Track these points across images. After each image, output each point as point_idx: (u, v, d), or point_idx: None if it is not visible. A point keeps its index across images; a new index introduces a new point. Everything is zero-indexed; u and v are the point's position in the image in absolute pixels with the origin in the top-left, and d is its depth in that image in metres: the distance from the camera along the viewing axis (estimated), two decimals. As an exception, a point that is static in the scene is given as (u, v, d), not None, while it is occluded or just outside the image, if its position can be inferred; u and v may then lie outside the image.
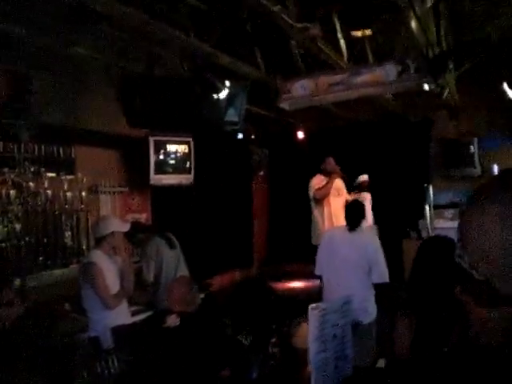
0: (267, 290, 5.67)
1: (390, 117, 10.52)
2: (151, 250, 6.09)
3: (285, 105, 7.04)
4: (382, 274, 5.28)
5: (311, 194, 8.41)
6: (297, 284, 10.80)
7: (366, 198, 9.76)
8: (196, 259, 7.15)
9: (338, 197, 8.47)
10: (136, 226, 6.11)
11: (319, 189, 8.36)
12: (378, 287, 5.32)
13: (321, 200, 8.31)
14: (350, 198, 8.65)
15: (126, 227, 5.24)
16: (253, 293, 4.12)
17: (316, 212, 8.57)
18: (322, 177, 8.50)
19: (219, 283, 9.45)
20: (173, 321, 3.81)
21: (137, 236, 6.11)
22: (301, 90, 6.65)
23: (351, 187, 9.57)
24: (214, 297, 7.00)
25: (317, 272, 5.59)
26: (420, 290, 2.71)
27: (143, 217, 8.23)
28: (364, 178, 9.95)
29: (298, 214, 10.23)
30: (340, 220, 8.22)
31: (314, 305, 2.44)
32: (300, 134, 11.63)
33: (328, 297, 5.33)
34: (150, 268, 5.98)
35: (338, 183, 8.60)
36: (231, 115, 6.90)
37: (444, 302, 2.57)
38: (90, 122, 7.09)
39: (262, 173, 12.34)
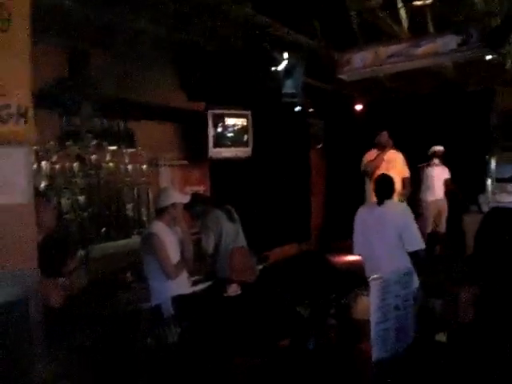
0: (325, 262, 5.68)
1: (450, 87, 10.26)
2: (211, 221, 6.14)
3: (344, 76, 6.97)
4: (415, 241, 5.27)
5: (362, 167, 8.36)
6: (354, 258, 10.72)
7: (439, 168, 9.62)
8: (254, 232, 7.18)
9: (390, 171, 8.36)
10: (196, 198, 6.17)
11: (369, 162, 8.29)
12: (414, 257, 5.28)
13: (371, 174, 8.23)
14: (406, 172, 8.53)
15: (185, 199, 5.28)
16: (311, 265, 4.13)
17: (366, 186, 8.53)
18: (376, 151, 8.43)
19: (277, 256, 9.49)
20: (234, 290, 3.86)
21: (197, 208, 6.16)
22: (360, 60, 6.57)
23: (425, 157, 9.54)
24: (273, 269, 7.04)
25: (355, 252, 5.69)
26: (484, 262, 2.66)
27: (202, 189, 8.30)
28: (437, 148, 9.82)
29: (356, 188, 10.15)
30: None
31: (375, 275, 2.43)
32: (358, 107, 11.49)
33: (370, 274, 5.32)
34: (210, 239, 6.03)
35: (392, 156, 8.48)
36: (289, 87, 6.86)
37: (509, 274, 2.52)
38: (149, 95, 7.15)
39: (319, 146, 12.23)
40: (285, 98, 7.00)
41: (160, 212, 5.16)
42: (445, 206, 9.83)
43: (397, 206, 5.81)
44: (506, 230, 2.67)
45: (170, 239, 5.07)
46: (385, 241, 5.35)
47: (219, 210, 6.26)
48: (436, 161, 9.79)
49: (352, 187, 10.88)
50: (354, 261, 10.46)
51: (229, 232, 6.15)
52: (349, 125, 11.73)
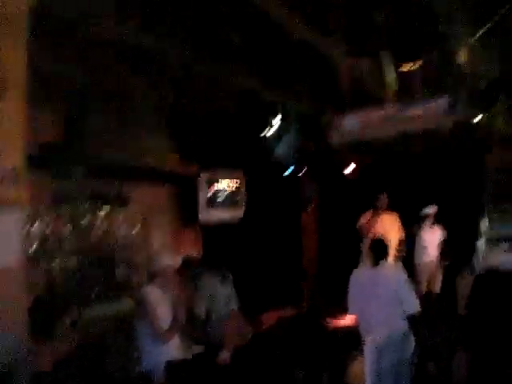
0: (319, 325, 5.61)
1: (443, 147, 10.36)
2: (203, 285, 6.07)
3: (335, 139, 7.05)
4: (412, 302, 5.22)
5: (358, 228, 8.47)
6: (348, 321, 10.58)
7: (432, 230, 9.63)
8: (246, 295, 7.12)
9: (387, 232, 8.39)
10: (188, 261, 6.13)
11: (364, 224, 8.42)
12: (411, 319, 5.20)
13: (366, 235, 8.27)
14: (401, 234, 8.57)
15: (177, 262, 5.25)
16: (305, 329, 4.08)
17: (363, 247, 8.54)
18: (371, 212, 8.51)
19: (270, 319, 9.35)
20: (225, 357, 3.79)
21: (189, 271, 6.11)
22: (351, 124, 6.66)
23: (416, 219, 9.49)
24: (266, 333, 6.94)
25: (350, 312, 5.62)
26: (476, 327, 2.64)
27: (194, 252, 8.24)
28: (429, 209, 9.77)
29: (349, 251, 10.13)
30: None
31: (371, 337, 2.40)
32: (350, 168, 11.54)
33: (364, 336, 5.30)
34: (202, 303, 5.95)
35: (387, 218, 8.56)
36: (282, 150, 6.93)
37: (503, 338, 2.49)
38: (143, 158, 7.19)
39: (311, 208, 12.25)
40: (277, 160, 7.06)
41: (152, 275, 5.11)
42: (438, 268, 9.78)
43: (391, 267, 5.88)
44: (496, 296, 2.67)
45: (161, 302, 5.00)
46: (380, 302, 5.27)
47: (212, 273, 6.20)
48: (428, 222, 9.79)
49: (345, 249, 10.87)
50: (348, 324, 10.43)
51: (221, 296, 6.06)
52: (343, 186, 11.79)
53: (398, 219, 8.77)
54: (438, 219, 9.88)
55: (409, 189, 10.69)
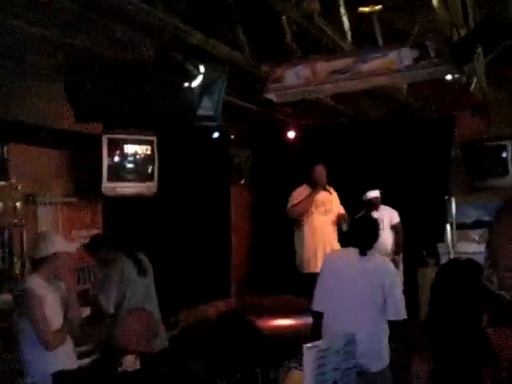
0: (249, 326, 5.70)
1: (403, 114, 10.60)
2: (115, 273, 6.01)
3: (273, 96, 7.02)
4: (399, 309, 5.31)
5: (287, 209, 8.48)
6: (285, 321, 10.78)
7: (386, 214, 9.79)
8: (161, 290, 7.13)
9: (325, 214, 8.52)
10: (101, 240, 6.17)
11: (295, 204, 8.46)
12: (391, 325, 5.33)
13: (300, 218, 8.43)
14: (343, 215, 8.64)
15: (71, 247, 5.23)
16: (231, 330, 4.13)
17: (296, 233, 8.63)
18: (307, 188, 8.58)
19: (190, 319, 9.43)
20: (130, 363, 3.81)
21: (102, 253, 6.06)
22: (294, 78, 6.64)
23: (360, 204, 9.65)
24: (184, 335, 7.00)
25: (315, 307, 5.53)
26: (440, 327, 2.75)
27: (92, 233, 8.19)
28: (373, 194, 9.90)
29: (287, 233, 10.23)
30: (327, 243, 8.31)
31: (310, 344, 2.47)
32: (291, 134, 11.68)
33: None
34: (111, 296, 5.90)
35: (326, 197, 8.62)
36: (206, 108, 6.85)
37: (468, 340, 2.61)
38: (28, 114, 7.05)
39: (243, 181, 12.33)
40: (200, 121, 7.00)
41: (38, 263, 5.05)
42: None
43: (383, 261, 5.77)
44: (463, 288, 2.78)
45: (49, 298, 4.97)
46: (361, 302, 5.30)
47: (127, 258, 6.14)
48: (372, 209, 9.74)
49: (284, 232, 10.99)
50: (284, 324, 10.60)
51: (136, 288, 6.03)
52: (281, 155, 11.96)
53: (337, 199, 8.83)
54: (398, 200, 10.04)
55: (362, 163, 10.93)
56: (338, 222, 8.52)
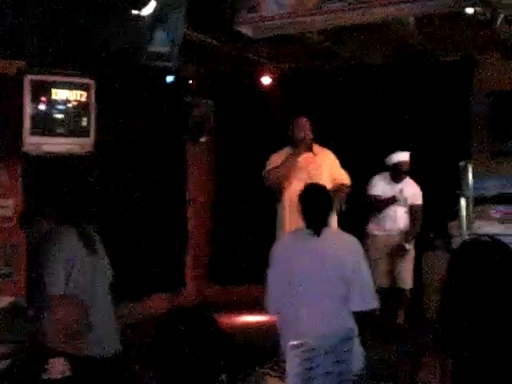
0: (209, 324, 5.66)
1: (412, 58, 10.54)
2: (58, 248, 5.90)
3: (247, 30, 6.92)
4: (366, 296, 5.36)
5: (264, 177, 8.40)
6: (254, 317, 10.77)
7: (409, 189, 9.83)
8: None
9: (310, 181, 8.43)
10: (33, 209, 6.16)
11: (272, 168, 8.41)
12: (361, 317, 5.37)
13: (277, 187, 8.39)
14: (346, 179, 8.56)
15: None
16: (187, 329, 4.07)
17: (277, 205, 8.56)
18: (290, 151, 8.52)
19: (134, 314, 9.38)
20: (57, 368, 3.74)
21: (37, 226, 5.92)
22: (274, 6, 6.53)
23: (374, 165, 9.70)
24: (127, 335, 6.95)
25: (269, 308, 5.65)
26: (457, 323, 2.71)
27: (9, 204, 8.23)
28: (401, 156, 9.83)
29: (259, 204, 10.16)
30: None
31: (295, 342, 2.42)
32: (266, 80, 11.58)
33: (285, 343, 5.33)
34: (59, 277, 5.79)
35: (308, 160, 8.51)
36: (159, 44, 6.76)
37: (496, 338, 2.57)
38: None
39: (203, 139, 12.24)
40: (151, 59, 6.89)
41: None
42: (405, 247, 9.95)
43: (343, 238, 5.81)
44: (484, 275, 2.74)
45: None
46: (321, 293, 5.33)
47: (72, 229, 6.03)
48: (393, 175, 9.83)
49: (255, 203, 10.95)
50: (254, 321, 10.57)
51: (84, 268, 5.88)
52: (253, 106, 11.90)
53: (334, 160, 8.72)
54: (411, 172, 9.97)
55: (358, 118, 10.89)
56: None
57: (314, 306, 5.28)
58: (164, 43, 6.83)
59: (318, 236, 5.47)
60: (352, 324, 5.25)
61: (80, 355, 4.02)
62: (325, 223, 5.55)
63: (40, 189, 8.51)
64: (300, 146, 8.41)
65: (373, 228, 9.85)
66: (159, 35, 6.76)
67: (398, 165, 9.77)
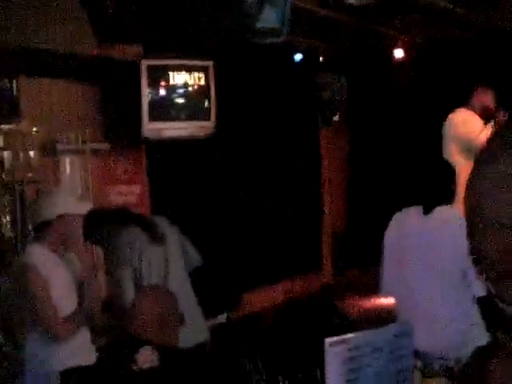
0: (337, 316, 5.55)
1: None
2: (124, 248, 5.98)
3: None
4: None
5: (470, 140, 8.13)
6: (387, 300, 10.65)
7: None
8: (219, 261, 7.09)
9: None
10: (96, 214, 6.10)
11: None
12: (483, 303, 5.17)
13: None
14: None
15: (84, 207, 5.32)
16: (311, 321, 3.99)
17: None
18: (472, 113, 8.49)
19: (257, 302, 9.37)
20: (145, 358, 3.73)
21: (98, 230, 6.00)
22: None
23: None
24: (245, 324, 6.96)
25: (384, 291, 5.69)
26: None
27: (135, 191, 8.30)
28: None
29: (394, 185, 9.99)
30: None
31: (334, 338, 2.29)
32: (399, 53, 11.39)
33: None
34: (127, 278, 5.90)
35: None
36: (268, 19, 6.69)
37: None
38: (41, 37, 7.07)
39: (337, 117, 12.12)
40: (260, 36, 6.82)
41: (40, 230, 5.10)
42: None
43: (458, 217, 5.60)
44: None
45: (57, 275, 5.00)
46: (436, 276, 5.22)
47: (136, 227, 6.11)
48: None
49: (392, 183, 10.80)
50: (391, 306, 10.46)
51: (154, 261, 6.00)
52: (387, 81, 11.72)
53: None
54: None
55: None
56: None
57: (429, 292, 5.20)
58: (273, 18, 6.76)
59: (431, 214, 5.34)
60: (472, 311, 5.18)
61: (170, 346, 4.01)
62: (441, 201, 5.37)
63: (163, 174, 8.63)
64: (498, 120, 8.24)
65: None
66: (268, 10, 6.70)
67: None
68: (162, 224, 6.27)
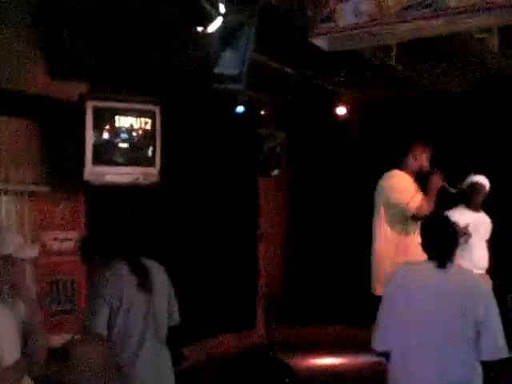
0: (280, 368, 5.37)
1: (494, 83, 10.38)
2: (107, 284, 5.75)
3: (323, 41, 6.68)
4: (497, 345, 5.10)
5: (406, 209, 7.98)
6: (334, 360, 10.67)
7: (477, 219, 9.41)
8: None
9: None
10: (89, 243, 6.20)
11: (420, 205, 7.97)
12: (487, 368, 5.11)
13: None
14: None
15: (32, 252, 5.11)
16: (255, 374, 3.86)
17: (387, 234, 8.20)
18: (406, 176, 8.28)
19: (199, 356, 9.21)
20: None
21: (95, 259, 5.89)
22: (352, 15, 6.30)
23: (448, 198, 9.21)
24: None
25: (378, 346, 5.38)
26: None
27: (72, 236, 8.18)
28: (480, 179, 9.43)
29: (334, 240, 9.99)
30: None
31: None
32: (341, 110, 11.47)
33: None
34: (101, 317, 5.63)
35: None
36: (227, 65, 6.67)
37: None
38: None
39: (276, 172, 12.13)
40: (219, 82, 6.79)
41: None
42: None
43: (474, 278, 5.59)
44: None
45: (5, 320, 4.77)
46: (445, 337, 5.12)
47: (124, 265, 5.85)
48: (469, 203, 9.43)
49: (333, 238, 10.83)
50: (333, 365, 10.36)
51: (137, 306, 5.75)
52: (328, 137, 11.85)
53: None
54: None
55: (439, 148, 10.64)
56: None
57: (435, 351, 5.09)
58: (233, 64, 6.75)
59: (443, 269, 5.22)
60: (473, 374, 5.09)
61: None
62: (451, 256, 5.27)
63: (103, 221, 8.53)
64: (435, 180, 8.16)
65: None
66: (228, 55, 6.69)
67: (476, 186, 9.44)
68: (152, 267, 6.06)
